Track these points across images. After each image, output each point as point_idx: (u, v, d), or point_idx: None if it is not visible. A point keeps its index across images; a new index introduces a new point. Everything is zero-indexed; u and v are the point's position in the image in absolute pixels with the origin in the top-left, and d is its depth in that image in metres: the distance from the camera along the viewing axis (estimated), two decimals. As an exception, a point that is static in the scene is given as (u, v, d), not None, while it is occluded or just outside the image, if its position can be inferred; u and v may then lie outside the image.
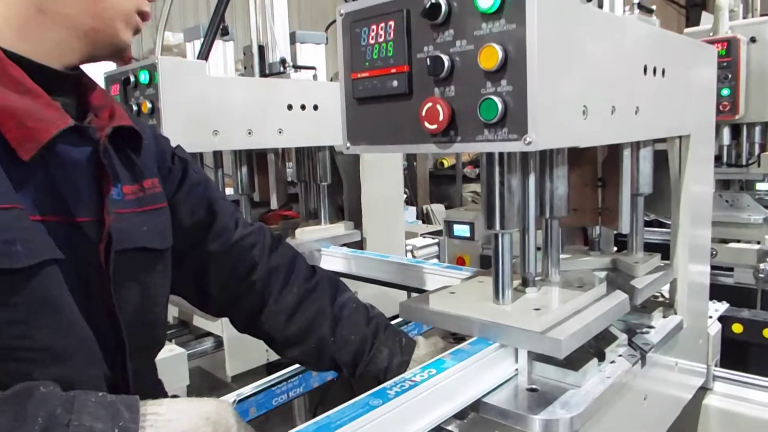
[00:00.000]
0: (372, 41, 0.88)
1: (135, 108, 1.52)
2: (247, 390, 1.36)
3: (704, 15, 2.47)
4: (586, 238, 1.37)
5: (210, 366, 1.79)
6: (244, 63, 1.87)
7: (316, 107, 1.82)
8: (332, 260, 1.88)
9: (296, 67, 1.81)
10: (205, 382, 1.72)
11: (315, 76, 1.88)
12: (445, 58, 0.79)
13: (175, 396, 0.99)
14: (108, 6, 0.84)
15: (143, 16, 0.90)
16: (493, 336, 0.96)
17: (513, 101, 0.73)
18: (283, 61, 1.78)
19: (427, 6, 0.78)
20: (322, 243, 1.91)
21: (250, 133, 1.65)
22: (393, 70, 0.86)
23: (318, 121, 1.83)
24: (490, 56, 0.73)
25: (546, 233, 1.11)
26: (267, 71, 1.81)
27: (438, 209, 6.87)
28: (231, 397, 1.32)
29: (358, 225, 2.07)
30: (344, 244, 1.99)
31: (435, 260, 2.61)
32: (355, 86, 0.91)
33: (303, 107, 1.78)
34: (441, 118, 0.79)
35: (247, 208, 1.91)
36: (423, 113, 0.81)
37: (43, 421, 0.58)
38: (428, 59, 0.80)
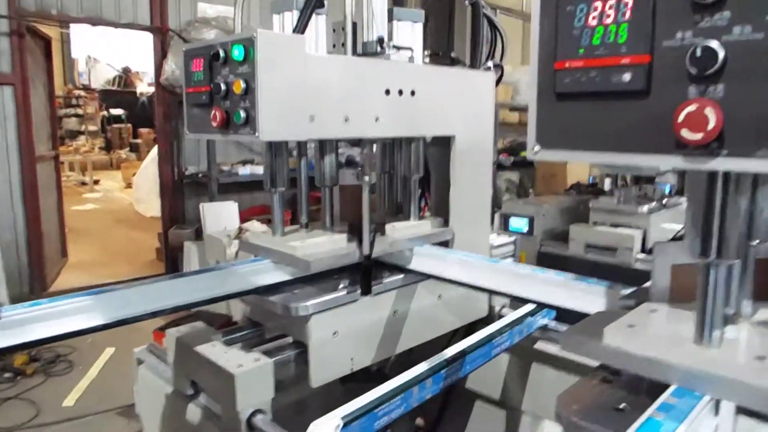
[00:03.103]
0: (593, 22, 0.71)
1: (224, 88, 1.36)
2: (349, 409, 1.22)
3: None
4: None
5: (284, 373, 1.65)
6: (333, 41, 1.70)
7: (413, 93, 1.65)
8: (423, 260, 1.74)
9: (396, 48, 1.63)
10: (284, 394, 1.58)
11: (412, 58, 1.71)
12: (719, 49, 0.61)
13: None
14: None
15: None
16: (701, 387, 0.80)
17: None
18: (380, 40, 1.60)
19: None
20: (415, 242, 1.76)
21: (347, 120, 1.49)
22: (625, 60, 0.68)
23: (415, 108, 1.66)
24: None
25: (744, 261, 0.94)
26: (361, 51, 1.64)
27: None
28: (333, 422, 1.17)
29: (446, 221, 1.92)
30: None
31: (510, 260, 2.44)
32: (559, 78, 0.74)
33: (400, 92, 1.62)
34: (711, 126, 0.62)
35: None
36: (680, 118, 0.64)
37: None
38: (696, 49, 0.62)
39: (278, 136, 1.36)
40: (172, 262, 5.97)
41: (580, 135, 0.74)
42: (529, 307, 1.66)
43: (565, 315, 1.39)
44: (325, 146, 1.67)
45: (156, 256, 6.84)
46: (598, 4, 0.70)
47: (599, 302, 1.31)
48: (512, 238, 2.46)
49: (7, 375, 3.93)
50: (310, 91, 1.39)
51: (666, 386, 0.84)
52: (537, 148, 0.79)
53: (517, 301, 1.78)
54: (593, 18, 0.70)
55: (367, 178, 1.48)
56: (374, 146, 1.85)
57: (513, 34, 2.09)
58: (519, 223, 3.80)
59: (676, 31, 0.65)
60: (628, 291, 1.31)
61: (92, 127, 15.69)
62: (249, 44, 1.30)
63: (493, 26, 2.15)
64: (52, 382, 3.97)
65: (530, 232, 3.77)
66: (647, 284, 1.12)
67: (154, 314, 1.29)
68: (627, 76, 0.68)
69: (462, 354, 1.52)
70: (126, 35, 6.36)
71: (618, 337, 0.89)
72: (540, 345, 1.84)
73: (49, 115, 6.25)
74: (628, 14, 0.68)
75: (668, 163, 0.67)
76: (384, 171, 1.91)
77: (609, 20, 0.69)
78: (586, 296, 1.35)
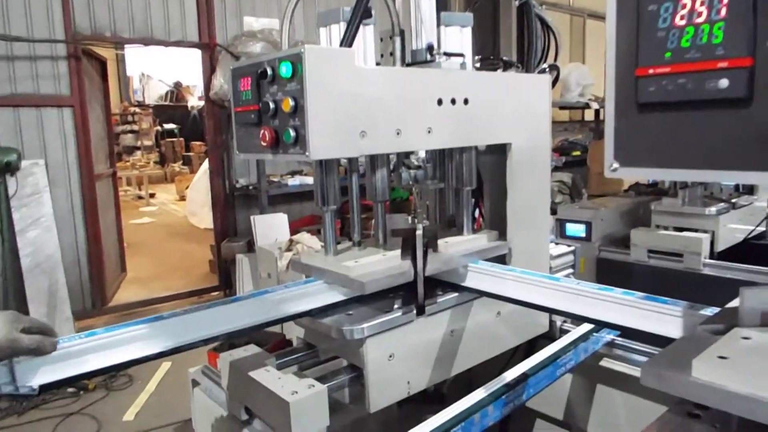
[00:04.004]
0: (681, 22, 0.63)
1: (272, 106, 1.34)
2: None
3: None
4: None
5: (339, 397, 1.60)
6: (381, 50, 1.65)
7: (466, 101, 1.59)
8: (478, 278, 1.66)
9: (446, 54, 1.57)
10: (340, 416, 1.53)
11: (463, 65, 1.65)
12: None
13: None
14: None
15: None
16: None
17: None
18: (430, 48, 1.55)
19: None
20: (469, 258, 1.70)
21: (398, 133, 1.44)
22: (722, 64, 0.60)
23: (468, 117, 1.60)
24: None
25: None
26: (410, 59, 1.59)
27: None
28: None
29: (502, 235, 1.84)
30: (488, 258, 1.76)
31: (570, 270, 2.34)
32: (642, 87, 0.66)
33: (453, 101, 1.56)
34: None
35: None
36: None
37: None
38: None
39: (329, 154, 1.34)
40: (225, 275, 6.06)
41: (667, 150, 0.66)
42: (595, 323, 1.57)
43: (632, 333, 1.30)
44: (376, 161, 1.63)
45: (209, 269, 6.96)
46: (687, 2, 0.62)
47: (675, 325, 1.20)
48: (572, 248, 2.35)
49: (70, 390, 4.05)
50: (361, 105, 1.36)
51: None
52: (615, 165, 0.71)
53: (581, 321, 1.70)
54: (681, 17, 0.62)
55: (420, 225, 1.43)
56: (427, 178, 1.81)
57: (560, 30, 2.01)
58: (576, 229, 3.66)
59: (785, 29, 0.56)
60: (707, 311, 1.20)
61: (147, 142, 16.22)
62: (297, 60, 1.27)
63: (546, 26, 2.06)
64: (112, 396, 4.06)
65: (588, 237, 3.62)
66: (733, 303, 1.02)
67: (207, 341, 1.28)
68: (724, 83, 0.60)
69: (524, 377, 1.46)
70: (177, 52, 6.50)
71: (709, 371, 0.79)
72: (606, 363, 1.74)
73: (106, 133, 6.46)
74: (723, 11, 0.59)
75: (778, 181, 0.58)
76: (434, 182, 1.85)
77: (701, 19, 0.61)
78: (659, 317, 1.25)
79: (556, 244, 2.37)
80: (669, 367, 0.83)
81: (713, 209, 3.25)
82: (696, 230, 3.27)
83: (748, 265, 2.90)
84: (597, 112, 8.64)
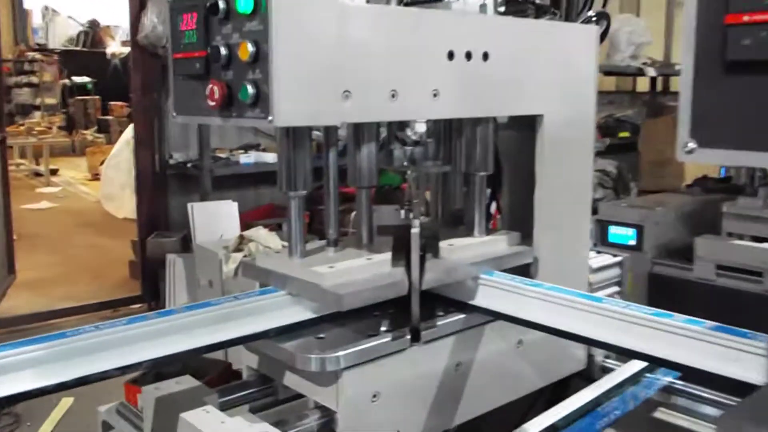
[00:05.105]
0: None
1: (225, 52, 1.32)
2: None
3: None
4: None
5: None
6: (373, -16, 1.65)
7: (486, 56, 1.59)
8: (492, 294, 1.66)
9: (460, -7, 1.58)
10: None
11: (483, 7, 1.64)
12: None
13: None
14: None
15: None
16: None
17: None
18: (439, -16, 1.56)
19: None
20: (481, 267, 1.69)
21: (393, 95, 1.43)
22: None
23: (487, 78, 1.60)
24: None
25: None
26: (411, -2, 1.60)
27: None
28: None
29: (525, 237, 1.85)
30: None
31: (615, 289, 2.35)
32: (733, 39, 0.65)
33: (468, 56, 1.55)
34: None
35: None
36: None
37: None
38: None
39: (300, 120, 1.34)
40: (150, 281, 6.03)
41: (765, 126, 0.65)
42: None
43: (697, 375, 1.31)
44: (362, 132, 1.62)
45: (129, 273, 6.91)
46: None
47: (757, 366, 1.20)
48: (617, 259, 2.37)
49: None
50: (345, 56, 1.35)
51: None
52: (691, 145, 0.71)
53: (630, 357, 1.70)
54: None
55: (417, 222, 1.43)
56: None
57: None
58: (622, 234, 3.70)
59: None
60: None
61: (50, 100, 16.08)
62: (260, -9, 1.26)
63: (592, -38, 2.07)
64: (-8, 440, 4.03)
65: (638, 245, 3.67)
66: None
67: (125, 370, 1.28)
68: None
69: (553, 430, 1.46)
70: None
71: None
72: (663, 414, 1.76)
73: (-7, 85, 6.39)
74: None
75: None
76: (436, 163, 1.85)
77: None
78: (737, 356, 1.25)
79: (597, 252, 2.38)
80: (754, 424, 0.83)
81: (804, 214, 3.29)
82: (780, 241, 3.30)
83: None
84: (654, 80, 8.72)
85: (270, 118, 1.25)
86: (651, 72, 7.93)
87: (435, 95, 1.51)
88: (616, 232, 3.73)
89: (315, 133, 1.69)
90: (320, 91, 1.32)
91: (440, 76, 1.51)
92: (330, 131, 1.64)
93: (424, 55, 1.49)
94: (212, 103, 1.34)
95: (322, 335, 1.49)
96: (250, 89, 1.27)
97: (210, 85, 1.34)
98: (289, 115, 1.27)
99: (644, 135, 7.72)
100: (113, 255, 7.63)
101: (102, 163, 10.86)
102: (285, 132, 1.52)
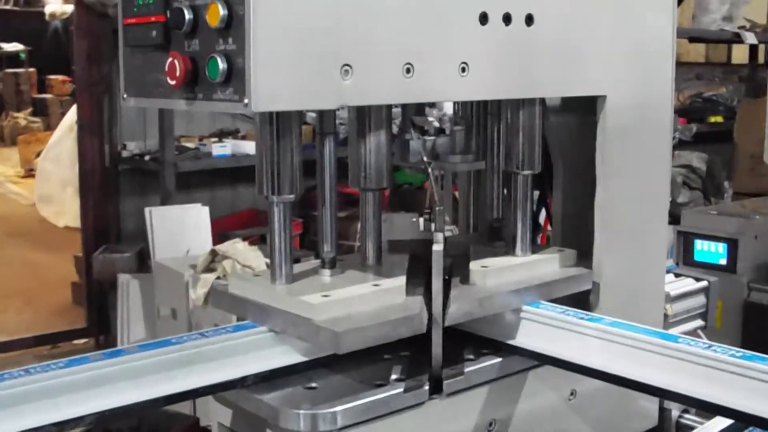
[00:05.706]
0: None
1: (189, 17, 1.34)
2: None
3: None
4: None
5: None
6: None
7: (530, 20, 1.60)
8: (540, 331, 1.67)
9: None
10: None
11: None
12: None
13: None
14: None
15: None
16: None
17: None
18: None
19: None
20: (523, 296, 1.71)
21: (409, 71, 1.44)
22: None
23: (532, 48, 1.62)
24: None
25: None
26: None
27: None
28: None
29: (583, 256, 1.86)
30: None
31: (699, 323, 2.36)
32: None
33: (507, 19, 1.56)
34: None
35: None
36: None
37: None
38: None
39: (285, 103, 1.35)
40: (98, 309, 6.08)
41: None
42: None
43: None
44: (368, 118, 1.63)
45: (72, 297, 6.97)
46: None
47: None
48: (703, 283, 2.36)
49: None
50: (344, 19, 1.37)
51: None
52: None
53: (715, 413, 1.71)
54: None
55: (440, 236, 1.44)
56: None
57: None
58: (711, 251, 3.69)
59: None
60: None
61: (-29, 74, 16.29)
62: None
63: None
64: None
65: (731, 266, 3.66)
66: None
67: (64, 426, 1.29)
68: None
69: None
70: None
71: None
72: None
73: None
74: None
75: None
76: (466, 159, 1.87)
77: None
78: None
79: (677, 276, 2.38)
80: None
81: None
82: None
83: None
84: (754, 49, 8.67)
85: (246, 101, 1.26)
86: (750, 38, 7.90)
87: (463, 70, 1.52)
88: (703, 248, 3.72)
89: (309, 115, 1.70)
90: (312, 65, 1.33)
91: (470, 46, 1.53)
92: (326, 117, 1.66)
93: (449, 18, 1.50)
94: (172, 82, 1.35)
95: (313, 384, 1.50)
96: (221, 64, 1.27)
97: (170, 59, 1.35)
98: (270, 97, 1.28)
99: (741, 120, 7.71)
100: (51, 274, 7.71)
101: (38, 155, 10.94)
102: (266, 118, 1.53)
